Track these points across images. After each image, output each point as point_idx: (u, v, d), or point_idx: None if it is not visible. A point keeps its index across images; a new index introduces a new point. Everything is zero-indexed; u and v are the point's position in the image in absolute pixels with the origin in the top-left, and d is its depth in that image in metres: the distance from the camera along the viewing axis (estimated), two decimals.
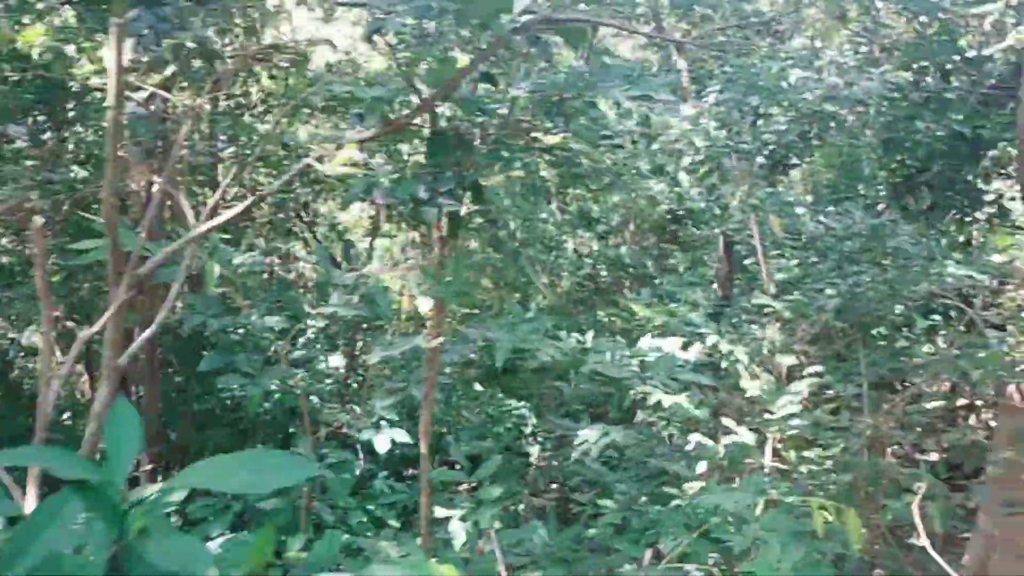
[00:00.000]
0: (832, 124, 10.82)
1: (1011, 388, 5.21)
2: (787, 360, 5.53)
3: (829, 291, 5.02)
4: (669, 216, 10.00)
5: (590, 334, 4.81)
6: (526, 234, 11.45)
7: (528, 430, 9.56)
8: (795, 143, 11.54)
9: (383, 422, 4.19)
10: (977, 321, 3.99)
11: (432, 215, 2.85)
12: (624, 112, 10.66)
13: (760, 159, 11.70)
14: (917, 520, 2.62)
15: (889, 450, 9.03)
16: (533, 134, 3.50)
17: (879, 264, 5.16)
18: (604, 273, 12.69)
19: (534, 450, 9.57)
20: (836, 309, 4.66)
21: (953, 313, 5.28)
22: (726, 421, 5.11)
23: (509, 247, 3.74)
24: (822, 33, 10.42)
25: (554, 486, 10.23)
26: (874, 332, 4.69)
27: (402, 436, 4.15)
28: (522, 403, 9.68)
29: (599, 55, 14.04)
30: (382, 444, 4.10)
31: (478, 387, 9.91)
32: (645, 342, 5.00)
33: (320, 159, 2.66)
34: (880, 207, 8.63)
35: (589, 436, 6.12)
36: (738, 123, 6.83)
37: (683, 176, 6.30)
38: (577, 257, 13.12)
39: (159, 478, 7.64)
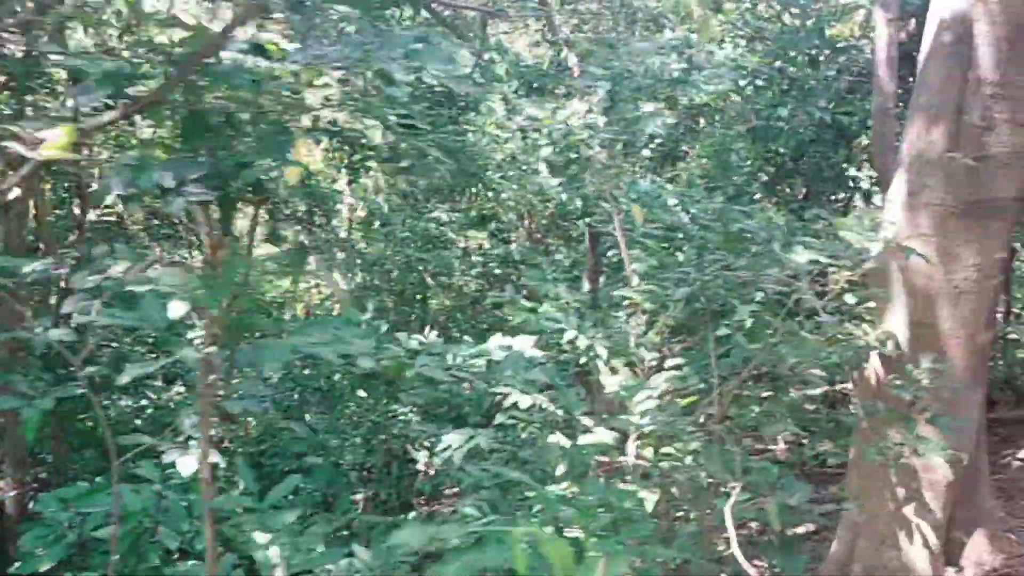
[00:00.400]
0: (717, 117, 10.83)
1: (869, 371, 5.16)
2: (649, 354, 5.35)
3: (691, 278, 4.86)
4: (559, 212, 9.87)
5: (432, 334, 4.52)
6: (408, 233, 11.12)
7: (415, 435, 9.28)
8: (683, 136, 11.53)
9: (191, 441, 3.79)
10: (816, 307, 3.86)
11: (178, 206, 2.49)
12: (513, 108, 10.41)
13: (647, 151, 11.65)
14: (729, 523, 2.40)
15: (780, 439, 9.07)
16: (331, 113, 3.17)
17: (737, 252, 5.03)
18: (498, 271, 12.49)
19: (422, 456, 9.29)
20: (685, 299, 4.49)
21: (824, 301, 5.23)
22: (584, 419, 4.89)
23: (305, 241, 3.39)
24: (700, 24, 10.45)
25: (453, 490, 9.98)
26: (726, 322, 4.54)
27: (214, 457, 3.77)
28: (408, 408, 9.37)
29: (494, 50, 13.86)
30: (187, 466, 3.72)
31: (362, 393, 9.56)
32: (494, 341, 4.74)
33: (32, 145, 2.28)
34: (757, 197, 8.64)
35: (453, 440, 5.84)
36: (622, 115, 6.65)
37: (542, 168, 6.08)
38: (467, 255, 12.89)
39: (30, 505, 7.05)
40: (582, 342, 5.20)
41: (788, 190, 8.76)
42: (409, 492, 9.49)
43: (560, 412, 5.29)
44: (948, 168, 4.61)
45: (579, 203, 5.94)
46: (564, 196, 6.07)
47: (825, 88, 7.61)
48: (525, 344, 4.83)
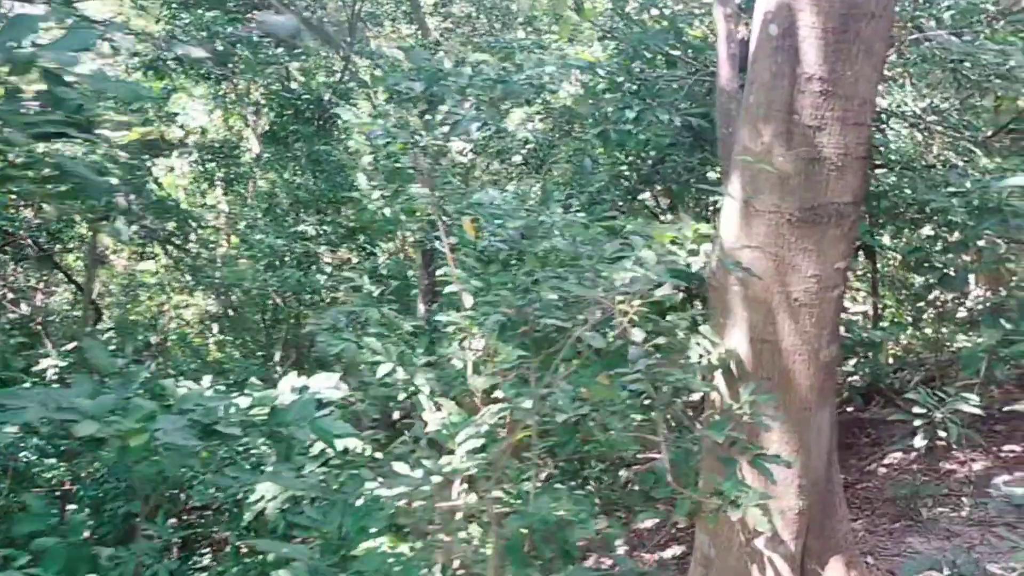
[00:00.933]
0: (590, 120, 10.39)
1: (714, 394, 4.76)
2: (480, 385, 4.81)
3: (507, 302, 4.33)
4: (380, 228, 9.24)
5: (205, 381, 3.85)
6: (264, 249, 10.32)
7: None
8: (559, 140, 11.05)
9: None
10: (594, 342, 3.38)
11: None
12: (379, 115, 9.69)
13: (518, 158, 11.09)
14: None
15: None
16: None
17: (572, 268, 4.53)
18: (368, 287, 11.79)
19: None
20: (501, 325, 3.96)
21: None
22: (396, 465, 4.30)
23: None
24: (561, 25, 10.06)
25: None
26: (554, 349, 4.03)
27: None
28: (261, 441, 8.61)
29: (364, 55, 13.11)
30: None
31: None
32: (286, 382, 4.11)
33: None
34: (620, 204, 8.24)
35: (266, 490, 5.18)
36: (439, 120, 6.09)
37: (361, 178, 5.48)
38: (340, 270, 12.14)
39: None
40: (400, 375, 4.63)
41: (653, 198, 8.42)
42: (264, 531, 8.77)
43: (381, 456, 4.70)
44: (781, 172, 4.24)
45: (401, 215, 5.37)
46: (387, 211, 5.48)
47: (680, 89, 7.27)
48: (326, 383, 4.21)
